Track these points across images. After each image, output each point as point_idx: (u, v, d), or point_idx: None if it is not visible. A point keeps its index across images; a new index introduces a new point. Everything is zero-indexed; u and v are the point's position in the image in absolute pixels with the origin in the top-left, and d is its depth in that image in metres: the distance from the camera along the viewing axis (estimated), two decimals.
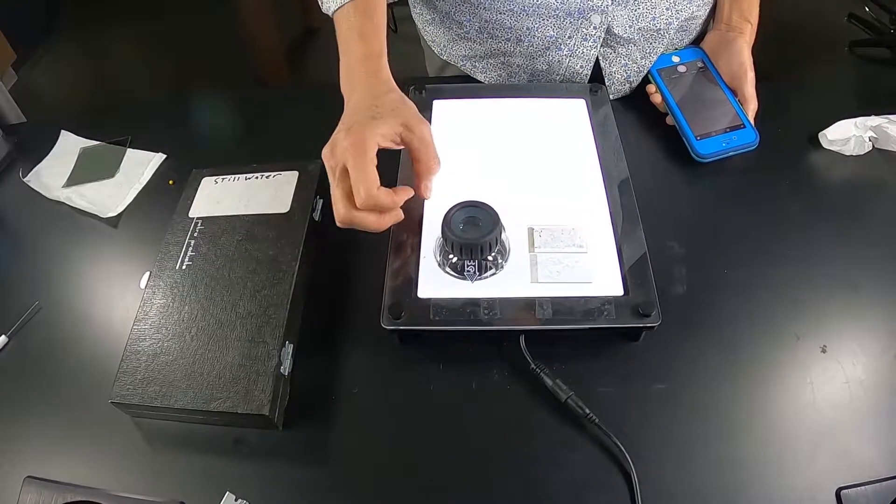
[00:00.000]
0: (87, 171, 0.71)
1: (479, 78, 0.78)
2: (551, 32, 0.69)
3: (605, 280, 0.51)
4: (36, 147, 0.74)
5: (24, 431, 0.51)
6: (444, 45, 0.79)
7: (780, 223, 0.61)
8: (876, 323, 0.54)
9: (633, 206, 0.57)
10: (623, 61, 0.71)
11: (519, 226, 0.55)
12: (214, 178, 0.64)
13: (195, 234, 0.58)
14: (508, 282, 0.52)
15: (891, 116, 0.65)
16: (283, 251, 0.56)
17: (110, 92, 2.02)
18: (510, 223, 0.53)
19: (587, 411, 0.47)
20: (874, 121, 0.65)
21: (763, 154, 0.65)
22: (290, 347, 0.52)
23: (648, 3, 0.67)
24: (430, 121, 0.61)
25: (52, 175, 0.71)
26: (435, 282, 0.52)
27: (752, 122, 0.65)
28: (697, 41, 0.74)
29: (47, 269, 0.62)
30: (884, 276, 0.56)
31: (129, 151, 0.72)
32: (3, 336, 0.56)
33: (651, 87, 0.70)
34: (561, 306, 0.49)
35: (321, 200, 0.62)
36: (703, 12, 0.73)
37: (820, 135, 0.66)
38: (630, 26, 0.68)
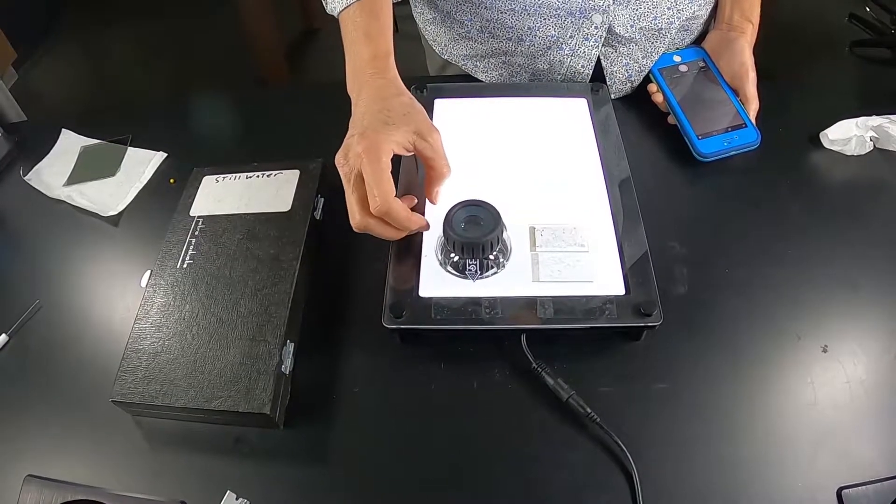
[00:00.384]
0: (87, 169, 0.71)
1: (480, 77, 0.78)
2: (553, 32, 0.69)
3: (607, 279, 0.51)
4: (36, 146, 0.74)
5: (25, 430, 0.51)
6: (445, 45, 0.79)
7: (781, 223, 0.61)
8: (877, 323, 0.54)
9: (634, 206, 0.57)
10: (624, 61, 0.71)
11: (520, 225, 0.55)
12: (215, 176, 0.64)
13: (196, 233, 0.58)
14: (510, 281, 0.51)
15: (892, 116, 0.65)
16: (285, 250, 0.56)
17: (111, 91, 2.02)
18: (511, 222, 0.53)
19: (588, 411, 0.47)
20: (875, 121, 0.65)
21: (764, 154, 0.65)
22: (291, 346, 0.52)
23: (650, 3, 0.67)
24: (430, 120, 0.61)
25: (52, 174, 0.71)
26: (436, 281, 0.52)
27: (753, 121, 0.65)
28: (699, 41, 0.74)
29: (48, 268, 0.62)
30: (884, 276, 0.56)
31: (130, 150, 0.72)
32: (4, 335, 0.56)
33: (652, 87, 0.70)
34: (562, 305, 0.49)
35: (322, 199, 0.62)
36: (704, 12, 0.73)
37: (821, 135, 0.66)
38: (631, 26, 0.68)
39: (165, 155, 0.72)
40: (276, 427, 0.49)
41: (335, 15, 0.59)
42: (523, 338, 0.50)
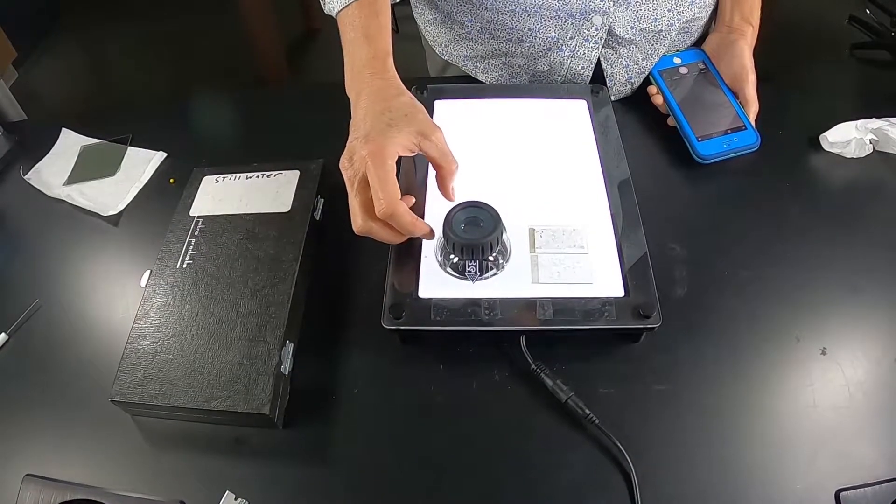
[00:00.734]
0: (87, 169, 0.71)
1: (480, 78, 0.78)
2: (553, 33, 0.69)
3: (606, 281, 0.51)
4: (36, 145, 0.74)
5: (24, 429, 0.51)
6: (445, 46, 0.79)
7: (781, 225, 0.61)
8: (876, 325, 0.54)
9: (633, 207, 0.57)
10: (624, 62, 0.71)
11: (520, 226, 0.55)
12: (215, 176, 0.64)
13: (196, 233, 0.58)
14: (509, 282, 0.52)
15: (891, 119, 0.66)
16: (284, 250, 0.56)
17: (111, 91, 2.02)
18: (511, 224, 0.53)
19: (587, 412, 0.47)
20: (875, 123, 0.65)
21: (764, 156, 0.65)
22: (290, 347, 0.52)
23: (650, 5, 0.67)
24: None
25: (52, 173, 0.71)
26: (436, 282, 0.52)
27: (753, 123, 0.65)
28: (699, 43, 0.74)
29: (48, 268, 0.62)
30: (884, 279, 0.56)
31: (130, 150, 0.72)
32: (3, 334, 0.56)
33: (652, 89, 0.70)
34: (562, 307, 0.49)
35: (322, 200, 0.62)
36: (704, 14, 0.73)
37: (821, 137, 0.66)
38: (631, 27, 0.68)
39: (165, 155, 0.72)
40: (276, 427, 0.49)
41: (333, 15, 0.59)
42: (522, 339, 0.50)
